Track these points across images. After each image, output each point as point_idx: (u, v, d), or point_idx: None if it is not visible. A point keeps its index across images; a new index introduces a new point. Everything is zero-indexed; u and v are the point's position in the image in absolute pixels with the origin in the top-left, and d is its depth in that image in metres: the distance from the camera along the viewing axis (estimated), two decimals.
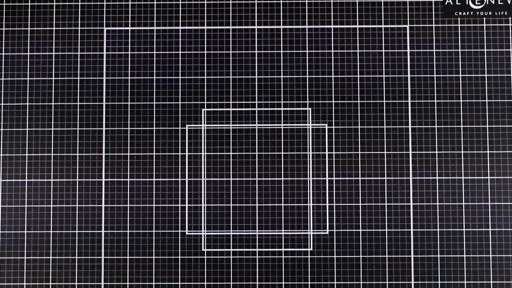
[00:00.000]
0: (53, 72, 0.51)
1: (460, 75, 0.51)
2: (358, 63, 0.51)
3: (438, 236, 0.51)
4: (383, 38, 0.51)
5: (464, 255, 0.50)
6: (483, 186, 0.51)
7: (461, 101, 0.51)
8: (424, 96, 0.51)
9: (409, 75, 0.51)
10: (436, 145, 0.51)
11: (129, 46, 0.52)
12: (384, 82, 0.51)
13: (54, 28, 0.51)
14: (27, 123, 0.51)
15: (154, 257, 0.51)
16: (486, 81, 0.51)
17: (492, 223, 0.50)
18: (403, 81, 0.51)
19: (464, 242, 0.50)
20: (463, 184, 0.51)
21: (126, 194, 0.51)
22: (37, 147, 0.51)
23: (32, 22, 0.52)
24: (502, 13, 0.51)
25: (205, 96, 0.51)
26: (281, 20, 0.52)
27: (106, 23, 0.52)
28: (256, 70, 0.51)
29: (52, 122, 0.51)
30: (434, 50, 0.51)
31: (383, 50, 0.51)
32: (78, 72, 0.51)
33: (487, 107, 0.51)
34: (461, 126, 0.51)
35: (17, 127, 0.51)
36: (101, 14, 0.52)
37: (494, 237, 0.50)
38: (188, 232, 0.51)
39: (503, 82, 0.51)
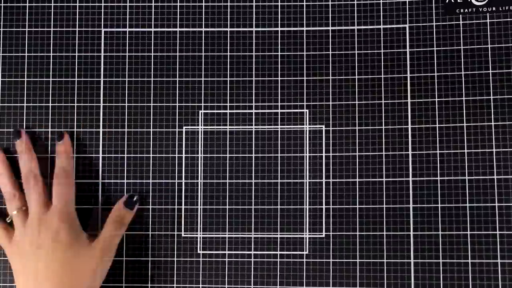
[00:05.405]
0: (51, 72, 0.51)
1: (463, 73, 0.49)
2: (357, 64, 0.50)
3: (440, 240, 0.48)
4: (381, 38, 0.50)
5: (469, 260, 0.48)
6: (489, 186, 0.49)
7: (463, 98, 0.49)
8: (424, 95, 0.49)
9: (408, 74, 0.50)
10: (438, 145, 0.49)
11: (127, 48, 0.51)
12: (383, 82, 0.50)
13: (52, 29, 0.52)
14: (24, 123, 0.51)
15: (150, 258, 0.50)
16: (490, 78, 0.49)
17: (500, 225, 0.48)
18: (402, 81, 0.50)
19: (469, 246, 0.48)
20: (466, 184, 0.49)
21: (122, 196, 0.50)
22: (35, 147, 0.51)
23: (30, 23, 0.52)
24: (506, 8, 0.49)
25: (203, 98, 0.51)
26: (279, 22, 0.51)
27: (104, 24, 0.52)
28: (254, 72, 0.51)
29: (50, 123, 0.51)
30: (435, 49, 0.50)
31: (382, 51, 0.50)
32: (76, 73, 0.51)
33: (492, 103, 0.49)
34: (464, 124, 0.49)
35: (14, 128, 0.51)
36: (99, 15, 0.52)
37: (503, 240, 0.48)
38: (184, 234, 0.50)
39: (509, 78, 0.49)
